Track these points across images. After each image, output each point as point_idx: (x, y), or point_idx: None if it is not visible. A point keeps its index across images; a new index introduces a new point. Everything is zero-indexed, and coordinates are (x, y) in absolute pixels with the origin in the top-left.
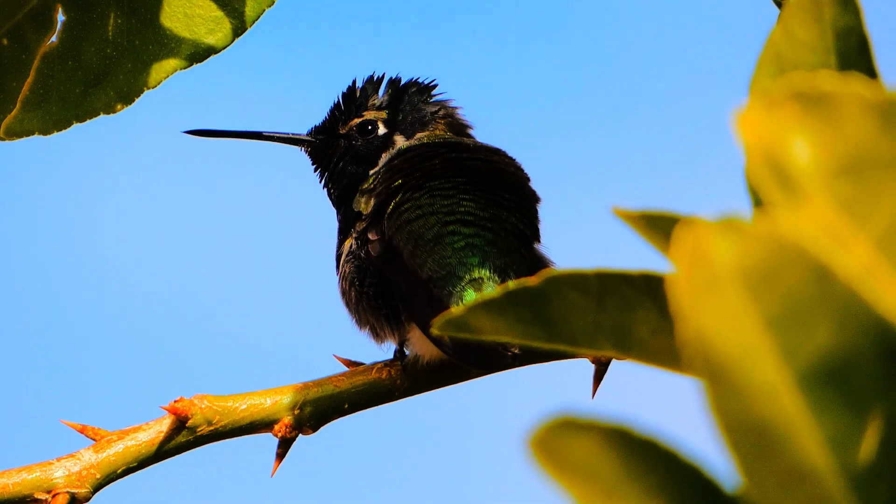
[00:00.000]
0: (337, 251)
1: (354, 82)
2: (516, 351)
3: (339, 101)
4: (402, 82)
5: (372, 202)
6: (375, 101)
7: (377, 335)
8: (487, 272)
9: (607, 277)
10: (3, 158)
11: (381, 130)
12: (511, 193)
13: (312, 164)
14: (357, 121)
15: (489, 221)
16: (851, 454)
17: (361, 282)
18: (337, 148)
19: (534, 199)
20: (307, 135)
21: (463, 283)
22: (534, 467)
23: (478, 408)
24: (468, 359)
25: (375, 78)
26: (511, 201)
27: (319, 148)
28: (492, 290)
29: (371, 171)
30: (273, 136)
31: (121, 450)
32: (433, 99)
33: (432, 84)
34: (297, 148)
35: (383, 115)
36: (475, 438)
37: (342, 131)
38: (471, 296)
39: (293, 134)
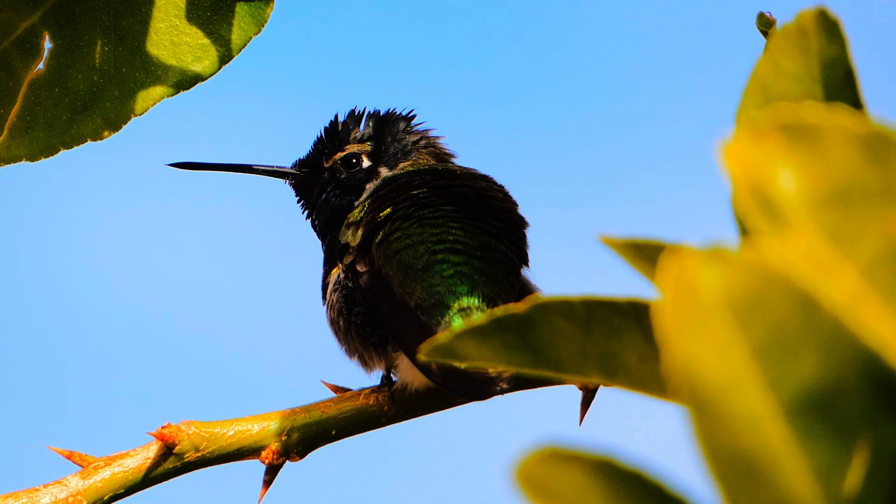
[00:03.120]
0: (323, 281)
1: (336, 117)
2: (505, 386)
3: (322, 136)
4: (383, 114)
5: (360, 233)
6: (357, 135)
7: (366, 364)
8: (476, 301)
9: (594, 304)
10: None
11: (366, 163)
12: (499, 220)
13: (297, 196)
14: (340, 154)
15: (478, 250)
16: (837, 485)
17: (349, 311)
18: (321, 180)
19: (521, 224)
20: (292, 168)
21: (451, 313)
22: (519, 498)
23: (464, 435)
24: (455, 387)
25: (357, 112)
26: (499, 228)
27: (304, 181)
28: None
29: (357, 202)
30: (258, 169)
31: (108, 476)
32: (414, 129)
33: (411, 114)
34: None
35: (366, 147)
36: (462, 466)
37: (326, 164)
38: (459, 325)
39: (278, 167)
